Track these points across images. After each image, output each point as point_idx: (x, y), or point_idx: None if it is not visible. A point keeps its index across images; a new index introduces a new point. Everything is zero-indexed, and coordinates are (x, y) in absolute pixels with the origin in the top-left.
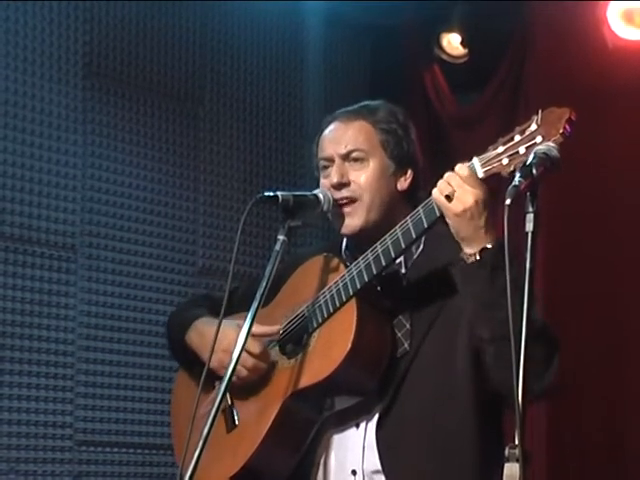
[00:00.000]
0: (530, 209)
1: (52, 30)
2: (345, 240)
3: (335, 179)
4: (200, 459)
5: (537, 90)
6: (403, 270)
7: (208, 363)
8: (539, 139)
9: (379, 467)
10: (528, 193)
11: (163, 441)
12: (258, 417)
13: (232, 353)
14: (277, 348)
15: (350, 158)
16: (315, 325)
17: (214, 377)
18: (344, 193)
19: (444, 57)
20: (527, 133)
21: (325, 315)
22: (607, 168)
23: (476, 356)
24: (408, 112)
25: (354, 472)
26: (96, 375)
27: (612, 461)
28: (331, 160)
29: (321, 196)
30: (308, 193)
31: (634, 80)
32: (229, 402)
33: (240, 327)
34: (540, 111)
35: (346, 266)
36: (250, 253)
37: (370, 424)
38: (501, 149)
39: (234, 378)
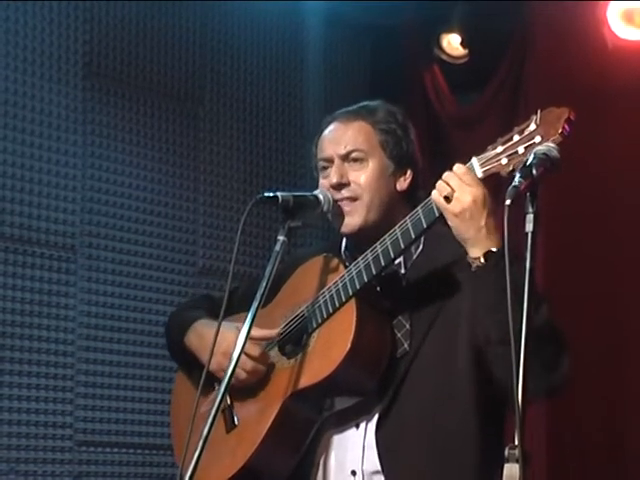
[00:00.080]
0: (530, 209)
1: (52, 30)
2: (345, 240)
3: (335, 179)
4: (200, 459)
5: (537, 90)
6: (402, 270)
7: (207, 366)
8: (538, 139)
9: (379, 467)
10: (528, 193)
11: (163, 441)
12: (258, 417)
13: (231, 356)
14: (276, 348)
15: (349, 158)
16: (314, 325)
17: (213, 379)
18: (344, 193)
19: (444, 57)
20: (526, 133)
21: (325, 315)
22: (607, 168)
23: (477, 356)
24: (408, 112)
25: (354, 472)
26: (96, 375)
27: (612, 461)
28: (330, 160)
29: (321, 197)
30: (308, 193)
31: (634, 80)
32: (228, 402)
33: (239, 330)
34: (539, 111)
35: (345, 266)
36: (250, 253)
37: (370, 424)
38: (500, 149)
39: (233, 380)
